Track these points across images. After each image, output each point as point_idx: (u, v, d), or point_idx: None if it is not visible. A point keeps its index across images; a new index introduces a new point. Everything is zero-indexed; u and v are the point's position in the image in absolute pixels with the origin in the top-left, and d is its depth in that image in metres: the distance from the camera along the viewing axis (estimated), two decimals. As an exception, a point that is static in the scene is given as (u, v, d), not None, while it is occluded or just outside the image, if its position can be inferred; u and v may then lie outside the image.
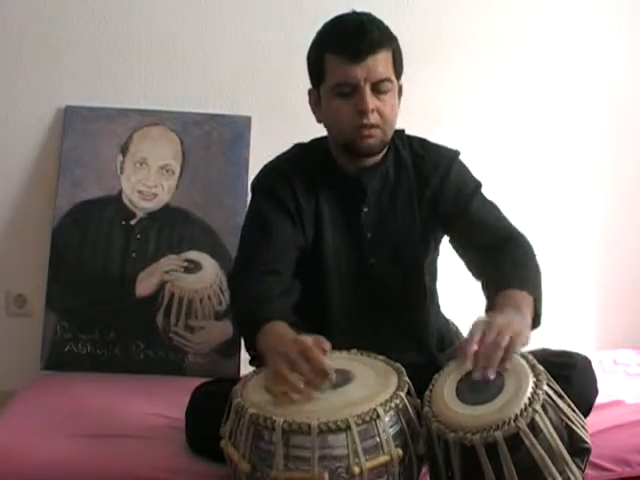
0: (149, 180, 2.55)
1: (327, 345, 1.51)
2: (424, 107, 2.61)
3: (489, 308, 1.67)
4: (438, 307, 2.01)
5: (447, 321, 2.03)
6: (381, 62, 1.76)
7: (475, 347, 1.48)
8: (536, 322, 1.68)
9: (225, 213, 2.50)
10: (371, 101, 1.75)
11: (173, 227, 2.52)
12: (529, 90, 2.69)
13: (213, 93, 2.61)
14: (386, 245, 1.88)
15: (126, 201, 2.54)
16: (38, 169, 2.57)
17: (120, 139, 2.56)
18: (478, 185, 1.92)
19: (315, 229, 1.87)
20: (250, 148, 2.54)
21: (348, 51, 1.74)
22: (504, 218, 1.90)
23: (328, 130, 1.87)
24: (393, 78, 1.80)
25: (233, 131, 2.57)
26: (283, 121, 2.54)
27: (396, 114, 1.83)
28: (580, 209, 2.75)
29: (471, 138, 2.65)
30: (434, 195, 1.88)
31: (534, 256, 1.82)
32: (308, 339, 1.51)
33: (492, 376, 1.44)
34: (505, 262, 1.76)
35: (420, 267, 1.91)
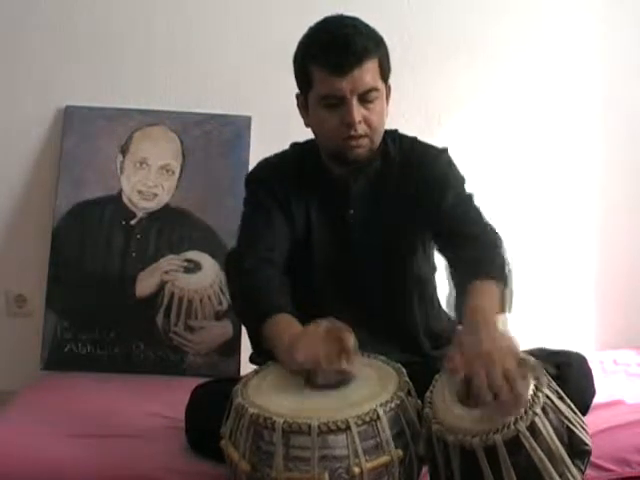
0: (149, 180, 2.55)
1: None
2: (424, 107, 2.61)
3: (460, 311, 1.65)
4: (438, 305, 2.00)
5: (448, 319, 1.99)
6: (367, 72, 1.74)
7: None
8: (504, 309, 1.64)
9: (225, 213, 2.50)
10: (358, 112, 1.74)
11: (173, 227, 2.52)
12: (529, 91, 2.69)
13: (213, 93, 2.61)
14: (372, 245, 1.88)
15: (126, 201, 2.54)
16: (38, 169, 2.58)
17: (120, 139, 2.56)
18: (459, 180, 1.90)
19: (304, 228, 1.88)
20: (250, 148, 2.55)
21: (333, 64, 1.72)
22: (476, 213, 1.85)
23: (316, 136, 1.87)
24: (380, 85, 1.78)
25: (233, 131, 2.58)
26: (283, 121, 2.54)
27: (384, 119, 1.82)
28: (580, 209, 2.74)
29: (471, 138, 2.65)
30: (417, 192, 1.87)
31: (500, 248, 1.77)
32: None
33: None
34: (469, 258, 1.73)
35: (408, 267, 1.90)
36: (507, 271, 1.72)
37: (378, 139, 1.82)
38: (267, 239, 1.82)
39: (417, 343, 1.92)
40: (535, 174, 2.71)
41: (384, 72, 1.80)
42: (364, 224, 1.88)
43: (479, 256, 1.73)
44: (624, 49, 2.70)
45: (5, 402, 2.18)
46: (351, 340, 1.52)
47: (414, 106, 2.60)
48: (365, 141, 1.78)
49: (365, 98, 1.75)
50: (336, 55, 1.73)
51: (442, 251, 1.87)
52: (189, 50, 2.60)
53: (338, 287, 1.89)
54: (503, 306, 1.64)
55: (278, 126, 2.54)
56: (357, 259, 1.89)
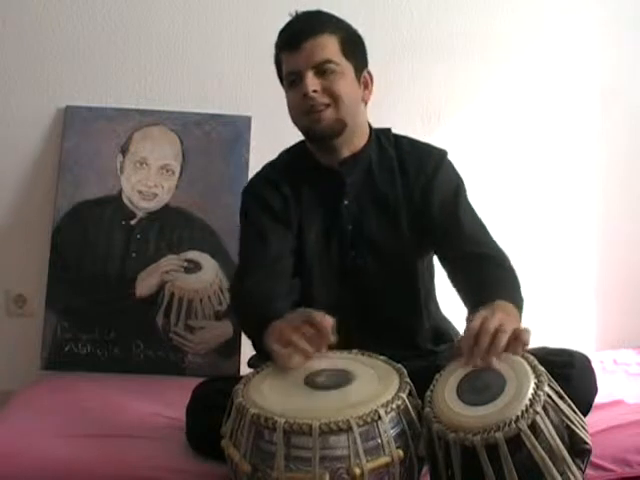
0: (149, 180, 2.55)
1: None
2: (424, 107, 2.61)
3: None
4: (435, 303, 2.00)
5: (446, 319, 2.01)
6: (320, 45, 1.80)
7: (472, 340, 1.47)
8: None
9: (225, 213, 2.50)
10: (313, 83, 1.78)
11: (173, 227, 2.52)
12: (529, 91, 2.69)
13: (213, 93, 2.61)
14: (367, 238, 1.89)
15: (126, 201, 2.54)
16: (38, 169, 2.57)
17: (120, 139, 2.56)
18: (464, 189, 1.91)
19: (299, 225, 1.89)
20: (250, 148, 2.55)
21: (287, 41, 1.82)
22: (485, 230, 1.88)
23: (295, 125, 1.90)
24: (339, 61, 1.81)
25: (233, 131, 2.58)
26: (283, 121, 2.53)
27: (353, 95, 1.83)
28: (580, 209, 2.75)
29: (471, 138, 2.65)
30: (422, 194, 1.88)
31: (514, 271, 1.79)
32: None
33: (496, 365, 1.44)
34: (488, 277, 1.73)
35: (405, 262, 1.90)
36: (522, 294, 1.71)
37: (346, 110, 1.82)
38: (265, 257, 1.84)
39: (418, 340, 1.91)
40: (535, 174, 2.71)
41: (348, 53, 1.82)
42: (359, 216, 1.89)
43: (498, 277, 1.73)
44: (624, 50, 2.70)
45: (5, 402, 2.18)
46: (325, 320, 1.52)
47: (413, 106, 2.60)
48: (328, 112, 1.80)
49: (322, 69, 1.79)
50: (290, 32, 1.83)
51: (448, 265, 1.86)
52: (189, 50, 2.60)
53: (334, 282, 1.89)
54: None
55: (278, 126, 2.51)
56: (351, 251, 1.89)
